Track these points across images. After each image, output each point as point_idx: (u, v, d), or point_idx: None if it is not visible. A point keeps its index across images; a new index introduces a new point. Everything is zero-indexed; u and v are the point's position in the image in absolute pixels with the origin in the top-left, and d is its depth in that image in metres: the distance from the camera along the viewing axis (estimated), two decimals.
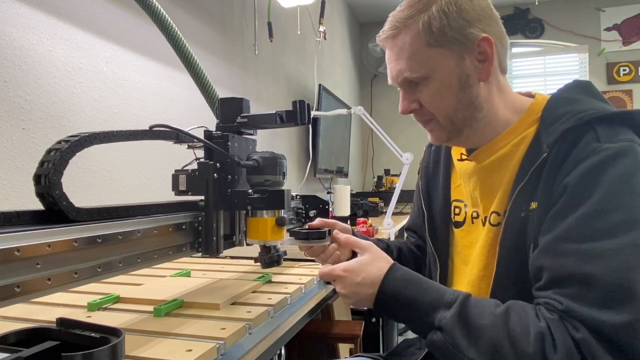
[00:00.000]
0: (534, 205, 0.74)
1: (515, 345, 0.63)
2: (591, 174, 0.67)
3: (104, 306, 0.86)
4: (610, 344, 0.61)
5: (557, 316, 0.64)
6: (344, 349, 1.88)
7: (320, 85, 2.90)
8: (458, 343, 0.67)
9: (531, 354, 0.62)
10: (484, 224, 0.87)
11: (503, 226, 0.79)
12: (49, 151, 0.64)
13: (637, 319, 0.60)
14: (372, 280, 0.75)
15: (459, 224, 0.93)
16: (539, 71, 4.46)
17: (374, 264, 0.77)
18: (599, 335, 0.61)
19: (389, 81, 0.87)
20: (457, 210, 0.94)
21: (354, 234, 1.00)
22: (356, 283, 0.76)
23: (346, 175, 3.73)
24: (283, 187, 0.90)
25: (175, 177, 0.87)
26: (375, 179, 4.19)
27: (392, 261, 0.78)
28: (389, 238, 1.14)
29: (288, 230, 0.91)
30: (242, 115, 0.92)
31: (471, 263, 0.88)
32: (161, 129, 0.80)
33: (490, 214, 0.84)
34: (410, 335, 1.33)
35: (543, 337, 0.62)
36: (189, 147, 0.91)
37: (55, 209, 0.62)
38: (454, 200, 0.95)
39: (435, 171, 1.00)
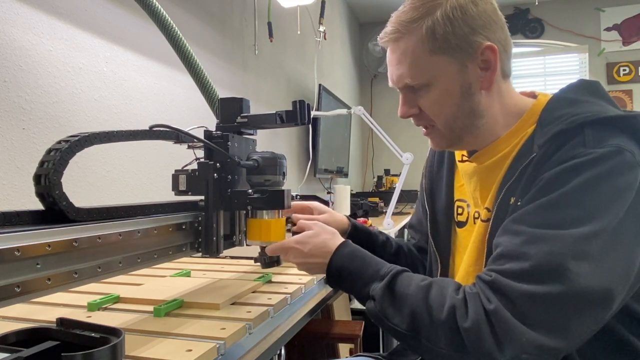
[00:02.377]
0: (512, 200, 0.77)
1: (431, 314, 0.68)
2: (565, 173, 0.69)
3: (104, 306, 0.86)
4: (520, 314, 0.63)
5: (476, 290, 0.68)
6: (344, 349, 1.88)
7: (320, 85, 2.91)
8: (385, 310, 0.73)
9: (444, 321, 0.67)
10: (476, 221, 0.88)
11: (491, 222, 0.80)
12: (49, 151, 0.64)
13: (551, 293, 0.63)
14: (318, 250, 0.84)
15: (461, 224, 0.93)
16: (539, 71, 4.46)
17: (319, 236, 0.86)
18: (512, 305, 0.64)
19: (390, 83, 0.86)
20: (460, 210, 0.94)
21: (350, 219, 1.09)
22: (305, 253, 0.85)
23: (346, 175, 3.73)
24: (283, 187, 0.90)
25: (175, 177, 0.87)
26: (375, 179, 4.19)
27: (342, 238, 0.86)
28: (402, 239, 1.16)
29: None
30: (242, 115, 0.91)
31: (464, 258, 0.89)
32: (161, 129, 0.80)
33: (482, 211, 0.86)
34: None
35: (455, 308, 0.67)
36: (189, 147, 0.91)
37: (55, 209, 0.62)
38: (457, 200, 0.95)
39: (440, 170, 1.00)
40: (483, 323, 0.64)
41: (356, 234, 1.05)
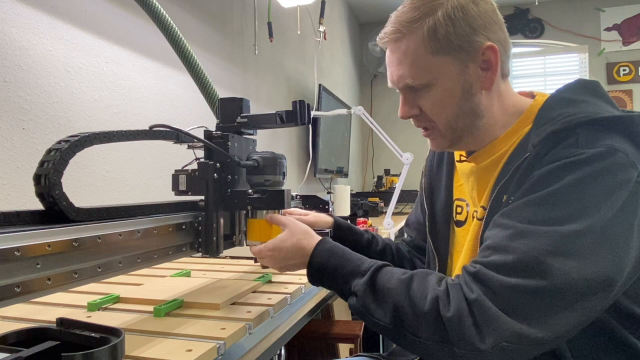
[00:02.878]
0: (504, 198, 0.77)
1: (413, 306, 0.69)
2: (556, 171, 0.69)
3: (104, 306, 0.86)
4: (502, 303, 0.64)
5: (459, 281, 0.69)
6: (344, 349, 1.89)
7: (320, 85, 2.91)
8: (368, 305, 0.73)
9: (426, 313, 0.67)
10: (473, 219, 0.88)
11: (484, 220, 0.80)
12: (49, 151, 0.64)
13: (532, 287, 0.63)
14: (294, 253, 0.84)
15: (460, 223, 0.93)
16: (539, 71, 4.46)
17: (294, 237, 0.85)
18: (493, 294, 0.64)
19: (389, 84, 0.86)
20: (459, 209, 0.94)
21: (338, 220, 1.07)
22: (282, 257, 0.85)
23: (346, 175, 3.73)
24: (283, 187, 0.90)
25: (175, 177, 0.87)
26: (375, 179, 4.19)
27: (318, 237, 0.86)
28: (389, 238, 1.15)
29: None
30: (242, 115, 0.92)
31: (461, 257, 0.89)
32: (161, 129, 0.81)
33: (479, 209, 0.86)
34: None
35: (438, 299, 0.67)
36: (189, 147, 0.91)
37: (55, 209, 0.62)
38: (456, 199, 0.95)
39: (439, 170, 1.00)
40: (465, 312, 0.65)
41: (339, 231, 1.05)
